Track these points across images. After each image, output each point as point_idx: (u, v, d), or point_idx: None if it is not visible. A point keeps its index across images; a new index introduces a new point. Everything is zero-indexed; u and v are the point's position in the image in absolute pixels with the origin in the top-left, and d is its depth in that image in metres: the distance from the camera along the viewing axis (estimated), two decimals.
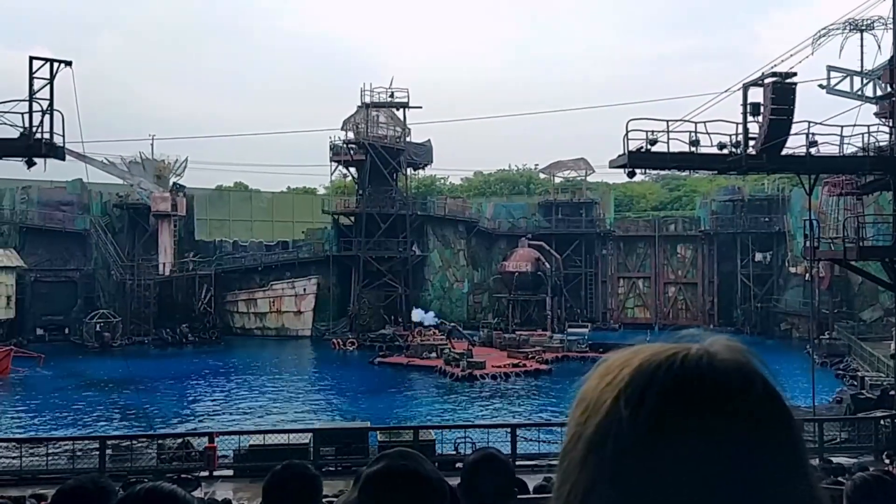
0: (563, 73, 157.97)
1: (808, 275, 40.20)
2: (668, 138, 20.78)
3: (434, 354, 44.18)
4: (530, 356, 43.69)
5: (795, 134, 20.70)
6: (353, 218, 57.97)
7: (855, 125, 23.18)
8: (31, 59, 19.52)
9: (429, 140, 62.78)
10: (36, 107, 18.98)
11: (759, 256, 57.40)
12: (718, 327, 53.18)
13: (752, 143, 20.61)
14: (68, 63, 19.94)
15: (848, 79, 37.27)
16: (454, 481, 3.17)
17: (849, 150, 22.68)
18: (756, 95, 20.68)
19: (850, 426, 21.91)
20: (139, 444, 20.22)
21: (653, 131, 20.77)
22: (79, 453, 19.12)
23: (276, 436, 19.74)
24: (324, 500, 3.73)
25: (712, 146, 20.83)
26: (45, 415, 32.32)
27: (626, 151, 20.62)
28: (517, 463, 15.16)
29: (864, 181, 26.24)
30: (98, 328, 51.07)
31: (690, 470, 0.71)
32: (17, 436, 25.48)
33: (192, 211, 60.55)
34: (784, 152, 20.93)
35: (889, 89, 24.71)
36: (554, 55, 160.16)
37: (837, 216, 39.42)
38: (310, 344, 54.49)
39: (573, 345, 46.39)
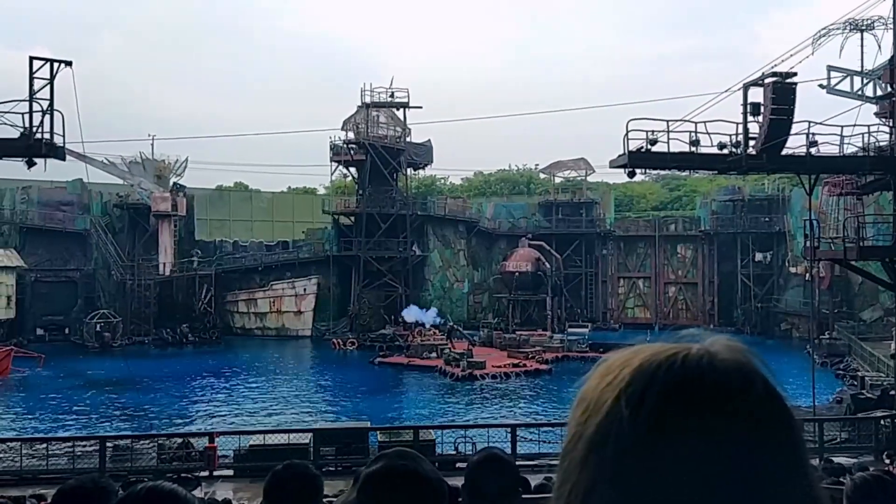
0: (563, 73, 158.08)
1: (808, 275, 40.22)
2: (668, 138, 20.77)
3: (434, 354, 44.19)
4: (530, 356, 43.69)
5: (795, 134, 20.72)
6: (353, 218, 57.96)
7: (855, 125, 23.20)
8: (31, 59, 19.52)
9: (429, 140, 62.83)
10: (36, 107, 18.98)
11: (759, 256, 57.40)
12: (718, 327, 53.15)
13: (752, 143, 20.60)
14: (68, 63, 19.94)
15: (848, 79, 37.27)
16: (454, 481, 3.17)
17: (849, 150, 22.68)
18: (756, 95, 20.68)
19: (850, 426, 21.90)
20: (139, 444, 20.22)
21: (653, 131, 20.77)
22: (79, 453, 19.11)
23: (277, 436, 19.73)
24: (324, 500, 3.72)
25: (712, 146, 20.83)
26: (45, 415, 32.31)
27: (626, 151, 20.62)
28: (517, 463, 15.15)
29: (864, 181, 26.26)
30: (98, 328, 51.07)
31: (691, 470, 0.71)
32: (17, 436, 25.50)
33: (192, 211, 60.52)
34: (784, 152, 20.93)
35: (889, 89, 24.71)
36: (554, 55, 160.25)
37: (837, 216, 39.42)
38: (310, 344, 54.48)
39: (573, 345, 46.39)
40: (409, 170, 60.74)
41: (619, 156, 21.08)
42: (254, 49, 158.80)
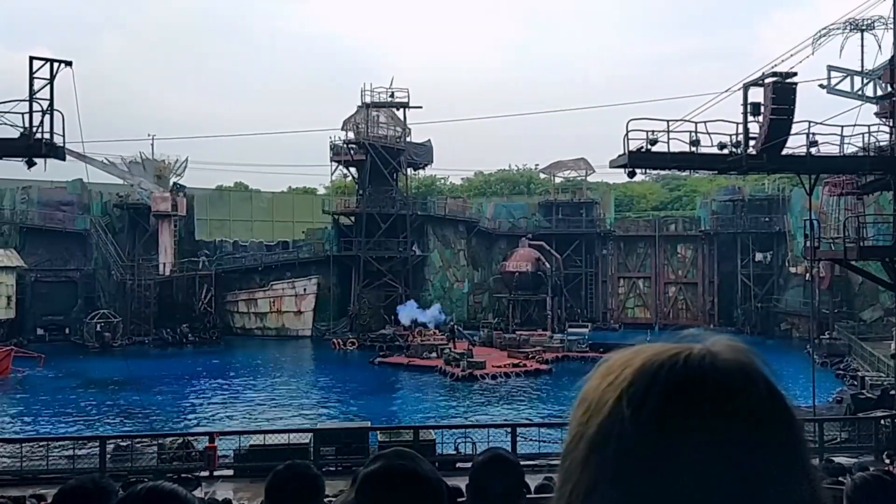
0: (563, 73, 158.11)
1: (808, 275, 40.22)
2: (669, 138, 20.76)
3: (434, 354, 44.17)
4: (530, 356, 43.68)
5: (796, 134, 20.70)
6: (353, 218, 57.94)
7: (855, 125, 23.18)
8: (32, 59, 19.51)
9: (429, 140, 62.81)
10: (36, 107, 18.96)
11: (759, 256, 57.39)
12: (718, 327, 53.15)
13: (752, 143, 20.60)
14: (68, 63, 19.93)
15: (848, 79, 37.28)
16: (454, 481, 3.17)
17: (849, 150, 22.67)
18: (756, 95, 20.66)
19: (851, 426, 21.89)
20: (139, 444, 20.23)
21: (653, 131, 20.76)
22: (79, 453, 19.10)
23: (277, 436, 19.70)
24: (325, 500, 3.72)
25: (712, 146, 20.81)
26: (45, 415, 32.29)
27: (626, 151, 20.61)
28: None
29: (864, 181, 26.26)
30: (98, 328, 51.07)
31: (692, 470, 0.71)
32: (17, 436, 25.50)
33: (192, 211, 60.53)
34: (784, 152, 20.92)
35: (889, 89, 24.70)
36: (554, 55, 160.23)
37: (838, 216, 39.40)
38: (310, 344, 54.49)
39: (573, 345, 46.37)
40: (409, 170, 60.73)
41: (619, 156, 21.07)
42: (254, 49, 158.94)
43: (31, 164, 19.76)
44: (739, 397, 0.74)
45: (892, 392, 25.20)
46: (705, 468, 0.71)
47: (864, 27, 38.93)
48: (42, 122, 18.82)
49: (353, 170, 59.89)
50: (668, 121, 20.85)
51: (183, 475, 17.09)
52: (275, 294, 57.18)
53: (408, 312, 52.55)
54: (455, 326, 48.04)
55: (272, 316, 57.38)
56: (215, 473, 18.58)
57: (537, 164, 79.97)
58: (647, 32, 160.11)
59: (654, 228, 61.82)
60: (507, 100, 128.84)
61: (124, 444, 20.02)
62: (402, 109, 58.01)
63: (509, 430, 19.71)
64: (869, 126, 24.08)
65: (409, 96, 57.39)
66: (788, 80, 20.62)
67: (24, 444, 20.04)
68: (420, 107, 57.99)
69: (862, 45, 38.89)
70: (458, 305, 60.41)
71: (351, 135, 57.26)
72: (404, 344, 48.09)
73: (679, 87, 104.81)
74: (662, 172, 66.36)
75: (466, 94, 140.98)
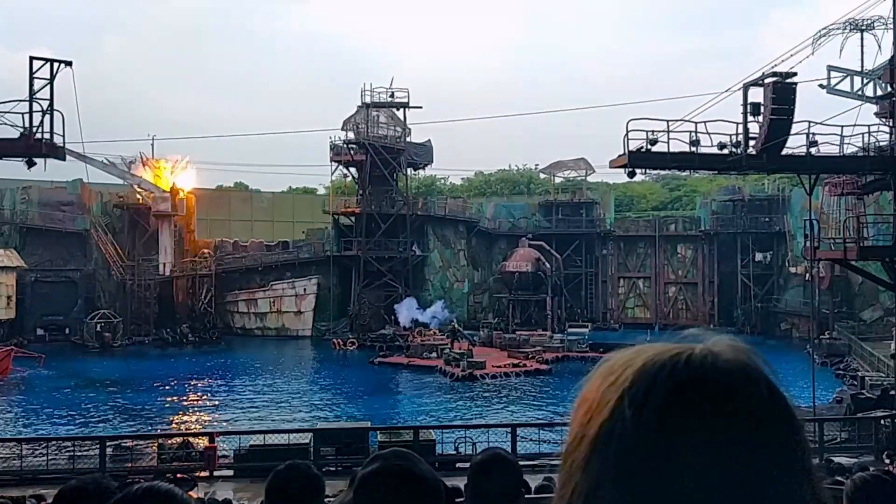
0: (563, 73, 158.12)
1: (808, 275, 40.23)
2: (669, 138, 20.75)
3: (434, 354, 44.18)
4: (530, 356, 43.67)
5: (796, 134, 20.69)
6: (353, 218, 57.93)
7: (855, 125, 23.16)
8: (32, 59, 19.52)
9: (429, 140, 62.81)
10: (36, 107, 18.98)
11: (759, 256, 57.40)
12: (719, 327, 53.10)
13: (752, 143, 20.59)
14: (68, 63, 19.94)
15: (848, 79, 37.24)
16: (454, 481, 3.17)
17: (849, 149, 22.65)
18: (756, 95, 20.65)
19: (851, 426, 21.88)
20: (139, 444, 20.22)
21: (653, 131, 20.75)
22: (79, 453, 19.10)
23: (277, 436, 19.72)
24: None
25: (712, 146, 20.80)
26: (45, 415, 32.30)
27: (626, 151, 20.60)
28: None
29: (864, 181, 26.25)
30: (98, 328, 51.08)
31: (694, 470, 0.71)
32: (17, 436, 25.49)
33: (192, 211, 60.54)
34: (784, 152, 20.91)
35: (889, 89, 24.69)
36: (554, 55, 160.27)
37: (838, 216, 39.40)
38: (310, 344, 54.49)
39: (573, 345, 46.36)
40: (409, 170, 60.72)
41: (620, 156, 21.06)
42: (254, 49, 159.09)
43: (31, 164, 19.76)
44: (740, 397, 0.74)
45: (892, 392, 25.19)
46: (707, 468, 0.71)
47: (864, 27, 38.90)
48: (42, 122, 18.83)
49: (353, 170, 59.89)
50: (668, 121, 20.86)
51: (179, 476, 17.08)
52: (275, 294, 57.18)
53: (406, 311, 52.52)
54: (456, 327, 48.05)
55: (272, 316, 57.38)
56: (215, 473, 18.59)
57: (537, 164, 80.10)
58: (647, 32, 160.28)
59: (654, 228, 61.82)
60: (507, 100, 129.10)
61: (124, 444, 20.02)
62: (402, 109, 58.01)
63: (509, 430, 19.70)
64: (869, 126, 24.07)
65: (409, 96, 57.45)
66: (788, 80, 20.61)
67: (24, 444, 20.02)
68: (420, 107, 58.08)
69: (862, 46, 38.87)
70: (458, 305, 60.38)
71: (351, 135, 57.25)
72: (404, 344, 48.09)
73: (679, 87, 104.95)
74: (662, 172, 66.37)
75: (466, 94, 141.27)
